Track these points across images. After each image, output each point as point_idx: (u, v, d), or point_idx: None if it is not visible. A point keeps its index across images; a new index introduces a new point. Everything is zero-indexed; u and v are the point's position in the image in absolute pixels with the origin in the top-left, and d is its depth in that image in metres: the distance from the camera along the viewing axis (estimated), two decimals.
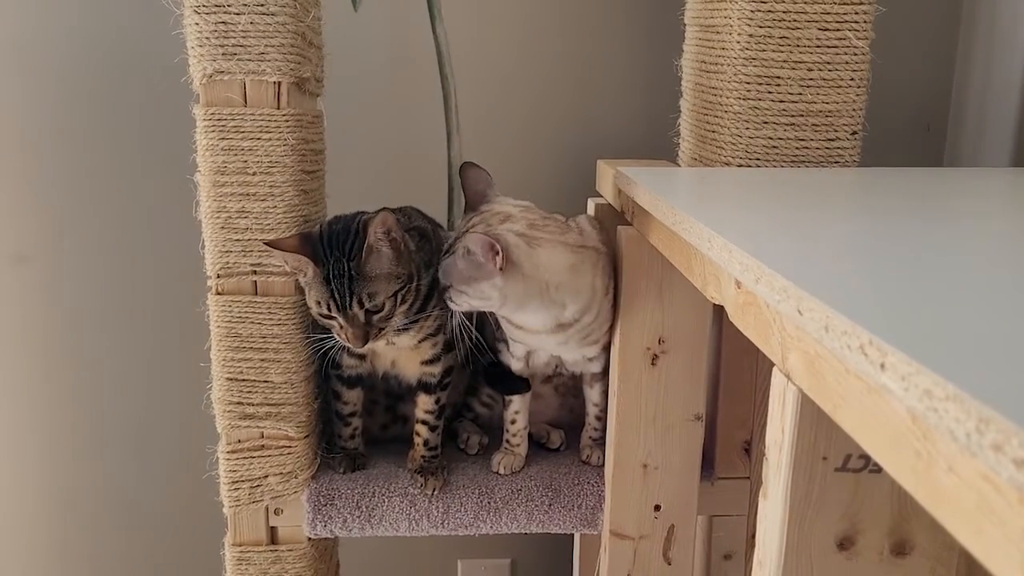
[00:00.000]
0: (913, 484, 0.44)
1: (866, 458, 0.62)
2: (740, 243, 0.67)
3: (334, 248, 1.06)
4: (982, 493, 0.37)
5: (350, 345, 1.10)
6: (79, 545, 1.76)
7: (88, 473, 1.72)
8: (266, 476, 1.18)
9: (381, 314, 1.08)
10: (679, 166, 1.37)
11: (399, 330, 1.13)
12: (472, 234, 1.04)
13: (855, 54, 1.16)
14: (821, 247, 0.71)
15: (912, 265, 0.63)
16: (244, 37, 1.05)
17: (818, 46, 1.15)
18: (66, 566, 1.77)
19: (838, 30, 1.15)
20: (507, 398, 1.23)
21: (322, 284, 1.06)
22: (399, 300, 1.09)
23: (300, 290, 1.15)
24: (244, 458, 1.18)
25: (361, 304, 1.06)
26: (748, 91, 1.17)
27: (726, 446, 1.27)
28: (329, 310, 1.07)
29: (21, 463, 1.71)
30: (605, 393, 1.22)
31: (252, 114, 1.08)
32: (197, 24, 1.05)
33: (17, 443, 1.70)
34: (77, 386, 1.68)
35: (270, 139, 1.09)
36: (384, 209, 1.08)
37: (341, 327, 1.08)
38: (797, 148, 1.19)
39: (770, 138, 1.19)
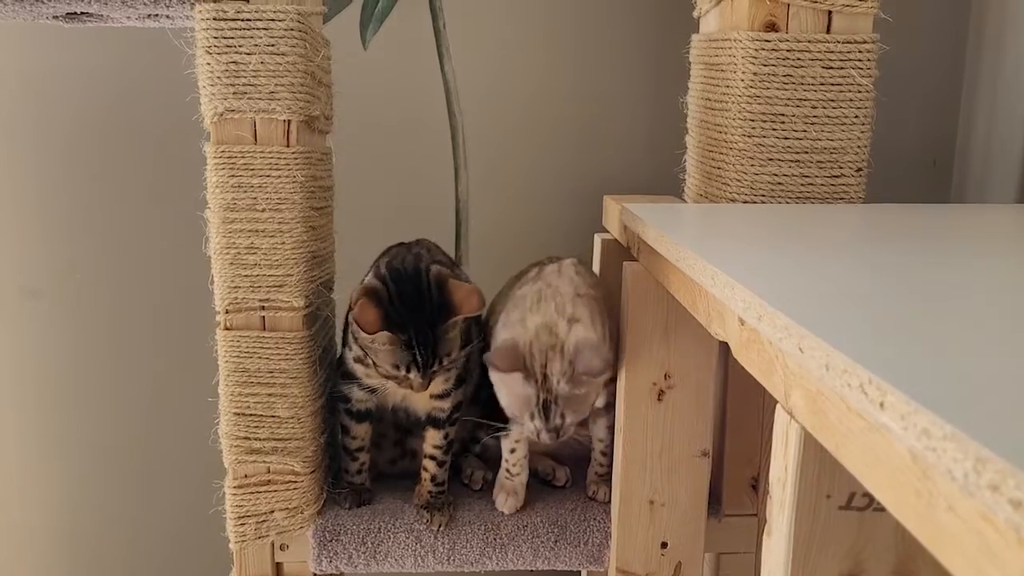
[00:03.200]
0: (914, 524, 0.44)
1: (870, 496, 0.62)
2: (743, 280, 0.67)
3: (413, 312, 1.07)
4: (982, 533, 0.37)
5: (412, 390, 1.12)
6: None
7: (94, 507, 1.72)
8: (272, 511, 1.18)
9: (452, 361, 1.12)
10: (685, 202, 1.38)
11: None
12: (586, 367, 1.04)
13: (859, 91, 1.17)
14: (824, 285, 0.71)
15: (914, 304, 0.63)
16: (255, 76, 1.07)
17: (822, 83, 1.16)
18: None
19: (842, 68, 1.17)
20: (508, 428, 1.23)
21: (403, 350, 1.07)
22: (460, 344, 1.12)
23: (308, 325, 1.16)
24: (250, 493, 1.18)
25: (442, 363, 1.09)
26: (753, 128, 1.18)
27: (733, 483, 1.27)
28: (408, 371, 1.09)
29: (28, 496, 1.71)
30: (610, 429, 1.21)
31: (262, 152, 1.10)
32: (208, 64, 1.07)
33: (24, 476, 1.70)
34: (85, 420, 1.68)
35: (279, 176, 1.10)
36: (456, 276, 1.12)
37: (409, 379, 1.10)
38: (802, 185, 1.20)
39: (775, 175, 1.19)
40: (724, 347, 1.13)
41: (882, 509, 0.62)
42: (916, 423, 0.40)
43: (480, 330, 1.32)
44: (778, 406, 0.64)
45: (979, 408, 0.40)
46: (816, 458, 0.61)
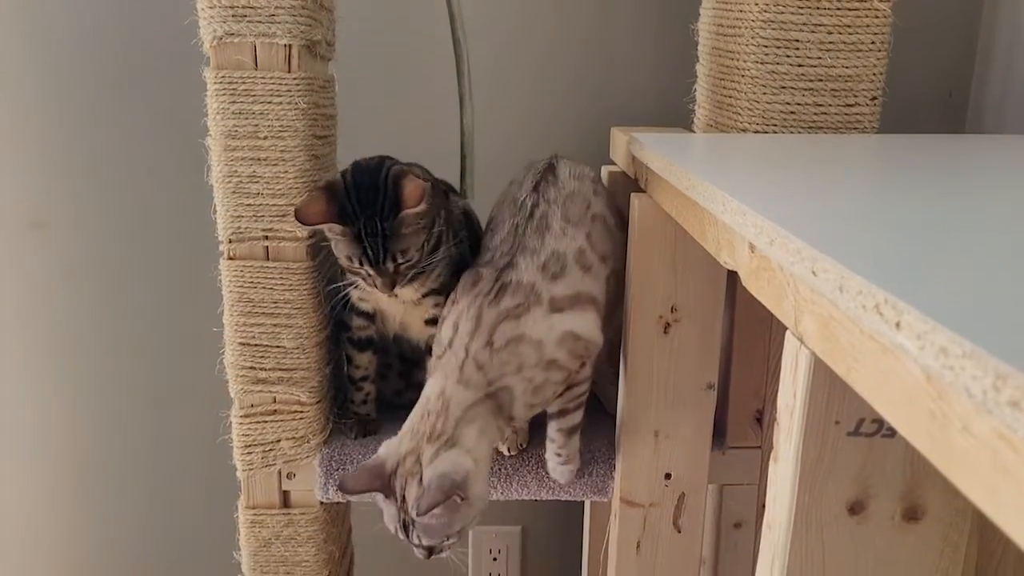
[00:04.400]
0: (927, 446, 0.43)
1: (879, 422, 0.61)
2: (754, 206, 0.66)
3: (364, 205, 1.06)
4: (997, 452, 0.36)
5: (378, 290, 1.11)
6: (94, 507, 1.78)
7: (101, 437, 1.73)
8: (279, 440, 1.19)
9: (410, 263, 1.09)
10: (694, 134, 1.36)
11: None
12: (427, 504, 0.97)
13: (876, 17, 1.14)
14: (837, 211, 0.70)
15: (929, 229, 0.62)
16: None
17: (838, 9, 1.13)
18: (81, 528, 1.79)
19: None
20: None
21: (353, 241, 1.06)
22: (425, 249, 1.10)
23: (312, 256, 1.15)
24: (257, 423, 1.18)
25: (395, 260, 1.07)
26: (766, 55, 1.15)
27: (738, 416, 1.27)
28: (361, 264, 1.08)
29: (33, 429, 1.72)
30: (561, 432, 1.16)
31: (263, 77, 1.07)
32: None
33: (30, 408, 1.71)
34: (90, 351, 1.69)
35: (281, 103, 1.08)
36: (416, 175, 1.08)
37: (370, 276, 1.09)
38: (815, 114, 1.17)
39: (787, 103, 1.17)
40: (731, 281, 1.12)
41: (891, 435, 0.62)
42: (934, 341, 0.39)
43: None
44: (787, 333, 0.63)
45: (997, 326, 0.39)
46: (825, 384, 0.60)
